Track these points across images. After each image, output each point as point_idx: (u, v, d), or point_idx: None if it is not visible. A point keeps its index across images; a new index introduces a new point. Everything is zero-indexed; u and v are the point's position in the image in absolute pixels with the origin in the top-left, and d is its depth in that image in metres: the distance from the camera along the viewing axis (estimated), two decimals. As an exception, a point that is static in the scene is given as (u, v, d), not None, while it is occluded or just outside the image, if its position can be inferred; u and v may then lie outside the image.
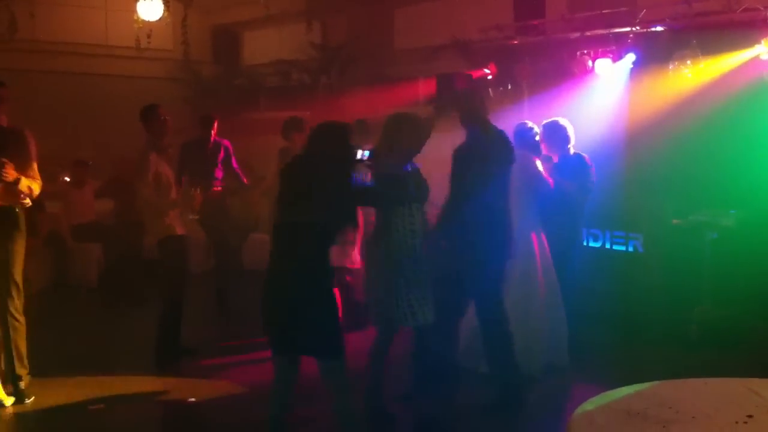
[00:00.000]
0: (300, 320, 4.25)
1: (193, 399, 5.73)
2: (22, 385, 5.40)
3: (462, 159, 5.20)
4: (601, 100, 7.90)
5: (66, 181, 10.04)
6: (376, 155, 5.10)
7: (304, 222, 4.27)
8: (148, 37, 10.98)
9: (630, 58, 7.82)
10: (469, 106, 5.39)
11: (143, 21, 10.77)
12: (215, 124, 8.26)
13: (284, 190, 4.42)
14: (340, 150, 4.44)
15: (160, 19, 10.79)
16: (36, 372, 5.63)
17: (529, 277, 5.93)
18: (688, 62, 7.31)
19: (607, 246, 7.68)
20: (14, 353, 5.33)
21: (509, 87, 8.93)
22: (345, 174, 4.43)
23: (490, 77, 9.13)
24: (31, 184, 5.29)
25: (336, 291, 6.84)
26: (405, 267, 4.89)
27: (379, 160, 5.04)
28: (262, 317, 4.37)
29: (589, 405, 2.53)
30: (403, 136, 4.97)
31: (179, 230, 6.43)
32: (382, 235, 4.95)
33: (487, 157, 5.21)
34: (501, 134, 5.41)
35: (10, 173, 5.08)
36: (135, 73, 12.76)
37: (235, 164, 8.43)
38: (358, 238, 7.11)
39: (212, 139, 8.22)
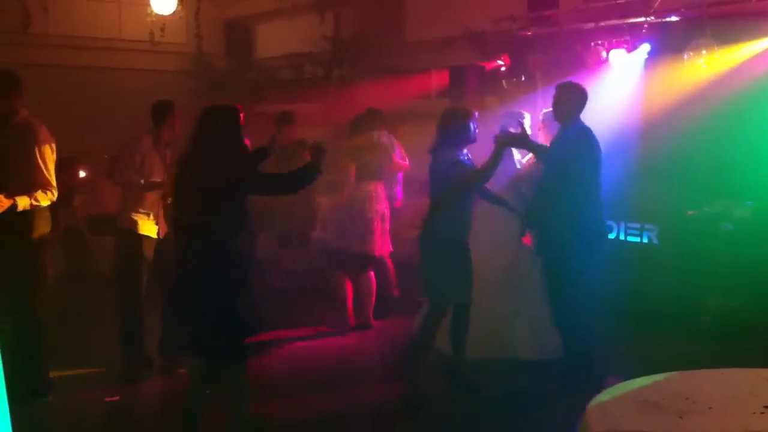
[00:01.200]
0: (197, 325, 4.14)
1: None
2: (43, 380, 5.42)
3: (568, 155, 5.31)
4: (615, 91, 7.85)
5: (81, 175, 10.08)
6: (435, 145, 5.34)
7: (191, 221, 4.14)
8: (162, 30, 10.99)
9: (644, 48, 7.77)
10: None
11: (156, 14, 10.78)
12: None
13: (174, 184, 4.31)
14: (225, 138, 4.19)
15: (173, 12, 10.80)
16: (54, 365, 5.69)
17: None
18: (703, 52, 7.26)
19: (622, 237, 7.65)
20: (33, 349, 5.32)
21: (522, 78, 8.90)
22: (230, 166, 4.15)
23: (503, 68, 9.11)
24: (38, 196, 5.08)
25: (372, 276, 7.04)
26: (456, 248, 5.28)
27: (438, 150, 5.30)
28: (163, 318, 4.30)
29: (604, 396, 2.52)
30: (458, 127, 5.27)
31: (144, 229, 5.93)
32: (439, 218, 5.25)
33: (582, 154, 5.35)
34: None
35: (1, 203, 4.86)
36: (148, 66, 12.80)
37: None
38: (387, 226, 7.14)
39: None
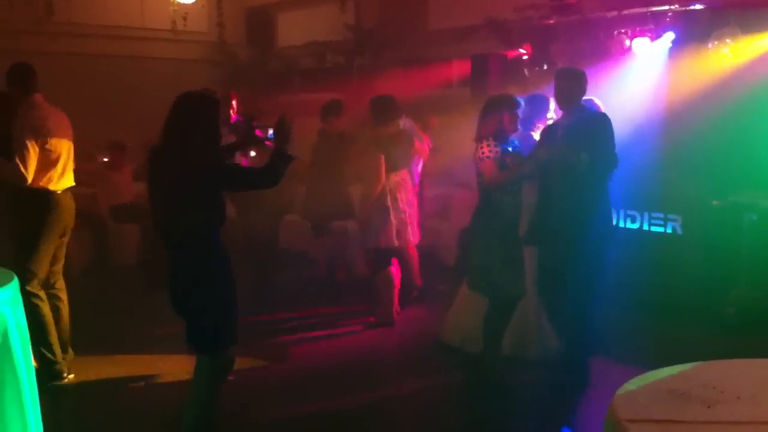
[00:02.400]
0: (185, 312, 4.12)
1: (232, 377, 5.79)
2: (64, 362, 5.50)
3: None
4: (639, 80, 7.81)
5: (104, 162, 10.16)
6: (478, 136, 5.30)
7: (165, 219, 4.06)
8: (184, 19, 11.05)
9: (668, 37, 7.73)
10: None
11: (179, 3, 10.84)
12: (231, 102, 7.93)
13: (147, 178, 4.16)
14: (193, 130, 3.97)
15: (195, 1, 10.85)
16: (77, 351, 5.76)
17: None
18: (728, 41, 7.21)
19: (645, 228, 7.61)
20: (54, 330, 5.41)
21: (545, 67, 8.86)
22: (194, 161, 3.94)
23: (525, 57, 9.08)
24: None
25: (396, 270, 7.03)
26: (509, 238, 5.26)
27: (481, 138, 5.27)
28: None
29: (631, 385, 2.52)
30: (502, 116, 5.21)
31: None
32: (490, 208, 5.25)
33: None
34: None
35: None
36: (170, 55, 12.82)
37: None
38: (415, 214, 7.11)
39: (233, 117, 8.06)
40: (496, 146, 5.18)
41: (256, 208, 8.34)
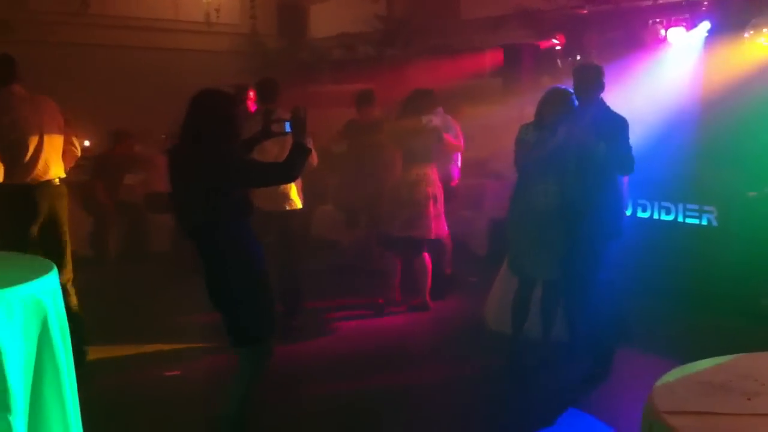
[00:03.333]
0: (220, 305, 4.14)
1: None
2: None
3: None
4: (674, 70, 7.74)
5: (138, 152, 10.26)
6: (526, 127, 5.46)
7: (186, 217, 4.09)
8: (217, 11, 11.11)
9: (704, 26, 7.64)
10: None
11: (212, -5, 10.91)
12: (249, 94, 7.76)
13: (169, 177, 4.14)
14: (211, 128, 3.96)
15: (228, -7, 10.91)
16: (110, 340, 5.83)
17: None
18: (765, 30, 7.12)
19: (680, 219, 7.53)
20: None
21: (578, 57, 8.80)
22: (211, 158, 3.93)
23: (558, 48, 9.02)
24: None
25: (427, 258, 7.07)
26: (542, 223, 5.35)
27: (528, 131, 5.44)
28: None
29: (670, 377, 2.51)
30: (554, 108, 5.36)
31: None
32: (524, 194, 5.43)
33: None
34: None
35: None
36: (204, 47, 12.90)
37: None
38: (441, 208, 7.14)
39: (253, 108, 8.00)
40: (531, 131, 5.36)
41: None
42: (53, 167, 5.41)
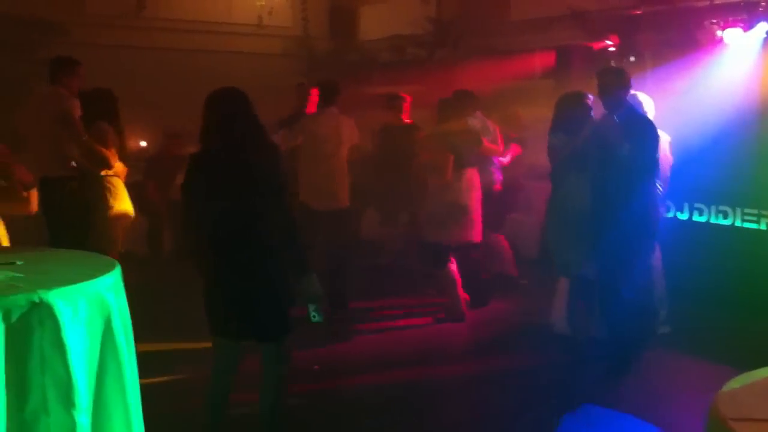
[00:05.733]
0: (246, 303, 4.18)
1: (317, 366, 5.89)
2: None
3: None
4: (730, 72, 7.60)
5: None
6: (553, 130, 5.65)
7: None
8: (270, 14, 11.20)
9: (762, 27, 7.50)
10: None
11: (265, -2, 11.00)
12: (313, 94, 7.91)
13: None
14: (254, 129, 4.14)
15: (280, -5, 11.00)
16: (165, 338, 5.93)
17: None
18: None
19: (738, 224, 7.38)
20: None
21: (632, 59, 8.70)
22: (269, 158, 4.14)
23: (611, 49, 8.93)
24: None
25: (454, 267, 7.05)
26: (580, 224, 5.47)
27: (556, 135, 5.62)
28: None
29: (735, 383, 2.48)
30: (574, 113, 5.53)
31: None
32: (561, 196, 5.59)
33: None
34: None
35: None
36: (256, 49, 13.02)
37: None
38: (479, 213, 7.12)
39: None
40: (559, 138, 5.55)
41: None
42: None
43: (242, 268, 4.14)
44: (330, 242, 6.89)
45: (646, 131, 5.29)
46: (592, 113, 6.10)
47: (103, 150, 6.02)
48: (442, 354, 6.39)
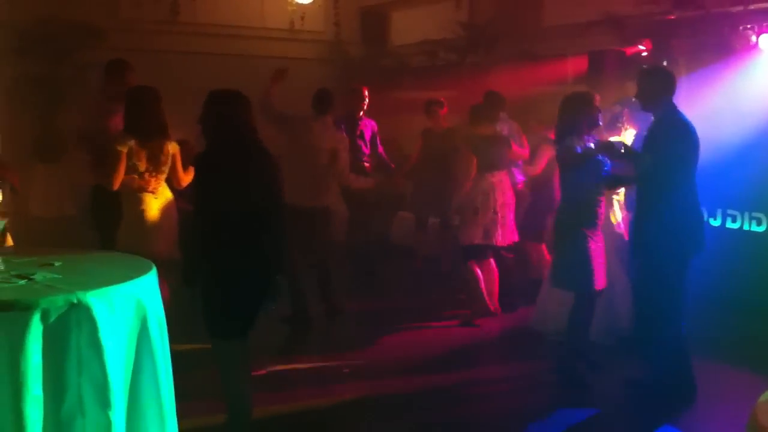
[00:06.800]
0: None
1: (347, 369, 5.92)
2: None
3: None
4: (765, 78, 7.53)
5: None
6: (559, 134, 5.49)
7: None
8: (302, 19, 11.27)
9: (798, 32, 7.43)
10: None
11: (297, 3, 11.08)
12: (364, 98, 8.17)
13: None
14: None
15: (312, 1, 11.06)
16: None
17: None
18: None
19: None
20: None
21: (665, 64, 8.63)
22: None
23: (644, 54, 8.88)
24: None
25: (494, 265, 7.06)
26: (592, 234, 5.44)
27: (563, 139, 5.42)
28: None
29: (773, 392, 2.46)
30: (581, 114, 5.40)
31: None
32: (575, 205, 5.44)
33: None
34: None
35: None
36: (288, 54, 13.08)
37: (380, 147, 8.57)
38: (511, 216, 7.11)
39: (360, 114, 8.25)
40: (587, 141, 5.40)
41: (369, 204, 8.50)
42: None
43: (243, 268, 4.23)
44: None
45: (690, 135, 5.14)
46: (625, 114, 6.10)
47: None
48: (462, 357, 6.40)
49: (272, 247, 4.25)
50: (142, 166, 5.20)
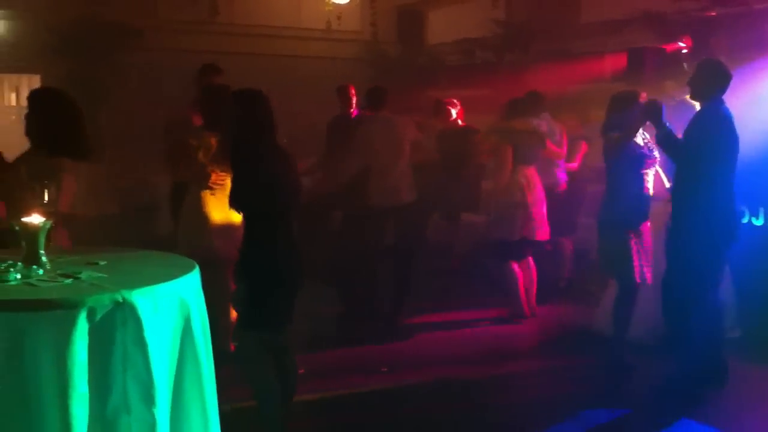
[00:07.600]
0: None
1: (385, 369, 5.95)
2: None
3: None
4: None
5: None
6: (604, 131, 5.64)
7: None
8: (338, 18, 11.31)
9: (842, 27, 7.31)
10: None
11: (334, 3, 11.12)
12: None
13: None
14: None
15: (349, 1, 11.09)
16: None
17: None
18: None
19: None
20: None
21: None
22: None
23: (684, 51, 8.79)
24: None
25: (532, 262, 7.05)
26: (635, 226, 5.54)
27: (607, 136, 5.60)
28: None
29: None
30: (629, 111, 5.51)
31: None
32: (616, 198, 5.56)
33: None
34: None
35: None
36: (325, 54, 13.15)
37: None
38: (543, 211, 7.09)
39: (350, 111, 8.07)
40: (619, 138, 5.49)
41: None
42: None
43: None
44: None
45: (731, 130, 5.19)
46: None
47: None
48: (500, 354, 6.43)
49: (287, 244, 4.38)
50: (211, 162, 5.31)
